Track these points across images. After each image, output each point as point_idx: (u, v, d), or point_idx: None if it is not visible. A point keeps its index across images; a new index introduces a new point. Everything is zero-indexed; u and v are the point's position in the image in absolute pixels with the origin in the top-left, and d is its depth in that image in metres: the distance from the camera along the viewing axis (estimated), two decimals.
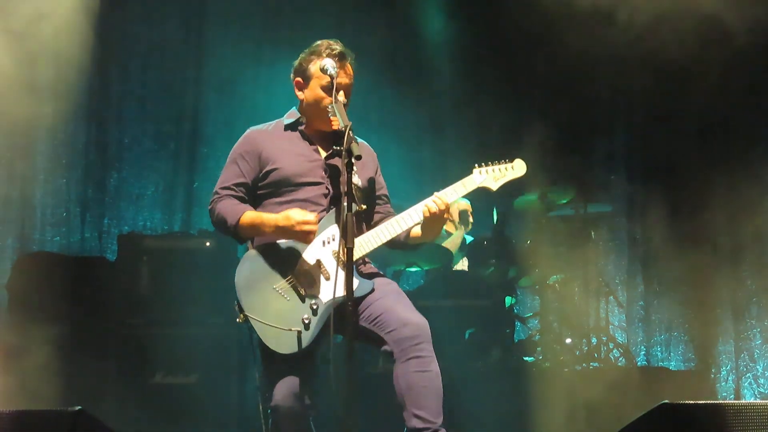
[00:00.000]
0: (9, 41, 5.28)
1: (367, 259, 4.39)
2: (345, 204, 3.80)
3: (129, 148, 8.81)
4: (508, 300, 7.98)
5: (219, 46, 8.85)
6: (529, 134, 8.08)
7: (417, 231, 4.36)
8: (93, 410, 3.35)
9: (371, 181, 4.49)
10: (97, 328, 6.62)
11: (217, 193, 4.37)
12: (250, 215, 4.21)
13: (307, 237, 4.08)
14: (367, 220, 4.51)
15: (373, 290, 4.17)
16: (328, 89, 4.25)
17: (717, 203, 7.91)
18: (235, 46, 8.76)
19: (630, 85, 8.15)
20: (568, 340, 7.92)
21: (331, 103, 4.16)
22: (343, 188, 3.91)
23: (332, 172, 4.30)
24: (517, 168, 4.42)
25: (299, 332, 4.00)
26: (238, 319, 4.07)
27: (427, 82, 9.40)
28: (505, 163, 4.40)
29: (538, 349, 7.88)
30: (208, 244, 6.94)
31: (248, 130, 4.48)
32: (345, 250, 3.77)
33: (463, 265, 8.41)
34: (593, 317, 8.19)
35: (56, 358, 6.07)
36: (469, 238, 8.49)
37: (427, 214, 4.19)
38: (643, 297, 9.05)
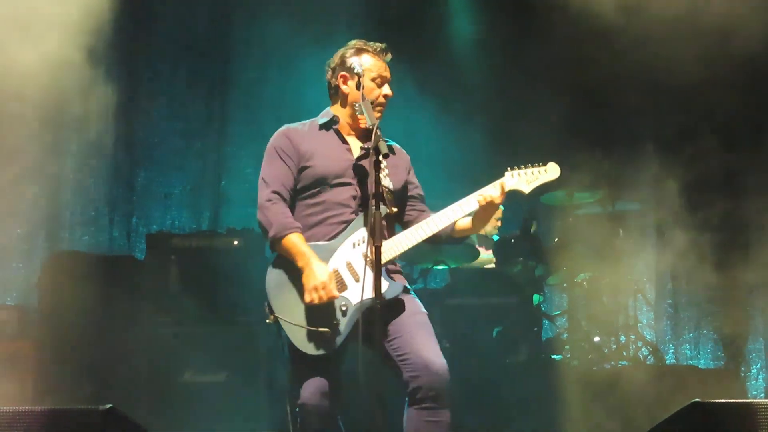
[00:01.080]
0: (36, 42, 5.29)
1: (398, 265, 4.41)
2: (372, 202, 3.83)
3: (157, 148, 8.88)
4: (536, 298, 7.92)
5: (246, 46, 8.88)
6: (556, 132, 8.08)
7: (462, 224, 4.40)
8: (123, 408, 3.37)
9: (403, 183, 4.50)
10: (127, 327, 6.64)
11: (269, 185, 4.30)
12: (293, 240, 4.16)
13: (310, 296, 4.02)
14: (400, 221, 4.52)
15: (401, 300, 4.18)
16: (378, 82, 4.37)
17: (747, 201, 7.83)
18: (263, 46, 8.77)
19: (659, 84, 8.06)
20: (596, 339, 7.83)
21: (359, 101, 4.18)
22: (371, 187, 3.91)
23: (362, 173, 4.30)
24: (551, 171, 4.40)
25: (328, 334, 4.02)
26: (267, 320, 4.11)
27: (456, 80, 9.36)
28: (539, 166, 4.37)
29: (566, 347, 7.85)
30: (236, 242, 6.98)
31: (283, 128, 4.46)
32: (373, 249, 3.79)
33: (490, 263, 8.35)
34: (621, 315, 8.06)
35: (86, 356, 6.19)
36: (495, 237, 8.46)
37: (483, 203, 4.23)
38: (672, 295, 8.98)
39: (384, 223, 4.06)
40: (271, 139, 4.42)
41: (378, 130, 3.96)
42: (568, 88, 8.60)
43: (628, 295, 8.19)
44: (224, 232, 7.41)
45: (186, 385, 6.58)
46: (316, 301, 4.01)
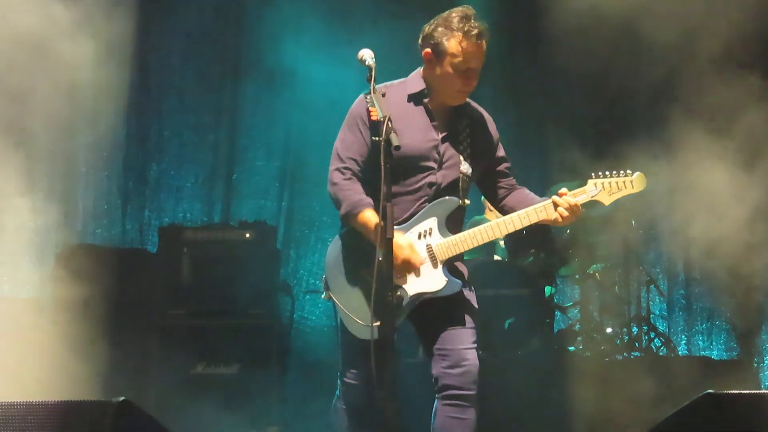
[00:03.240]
0: (49, 38, 5.30)
1: (461, 259, 4.33)
2: (382, 194, 3.66)
3: (169, 140, 8.84)
4: (548, 289, 7.86)
5: (258, 37, 8.83)
6: (568, 124, 8.04)
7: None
8: (136, 400, 3.37)
9: (490, 158, 4.34)
10: (139, 320, 6.72)
11: (341, 159, 4.19)
12: (367, 215, 4.06)
13: (397, 268, 3.94)
14: (491, 200, 4.41)
15: (454, 296, 4.13)
16: (461, 70, 4.08)
17: (757, 191, 7.79)
18: (274, 37, 8.70)
19: (669, 77, 8.02)
20: (609, 330, 7.84)
21: (370, 93, 3.90)
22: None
23: (445, 157, 4.19)
24: (637, 184, 4.13)
25: (378, 325, 3.93)
26: (323, 296, 4.14)
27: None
28: (624, 176, 4.13)
29: (579, 338, 7.83)
30: (247, 235, 6.98)
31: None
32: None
33: (502, 254, 8.29)
34: (634, 306, 8.09)
35: (99, 349, 6.13)
36: None
37: (560, 220, 4.10)
38: (684, 286, 8.94)
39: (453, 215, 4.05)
40: (354, 103, 4.25)
41: (390, 122, 3.69)
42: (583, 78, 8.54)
43: (640, 286, 8.19)
44: (236, 225, 7.45)
45: (199, 377, 6.62)
46: (404, 276, 4.02)
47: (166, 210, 8.81)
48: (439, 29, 4.10)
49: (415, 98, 4.22)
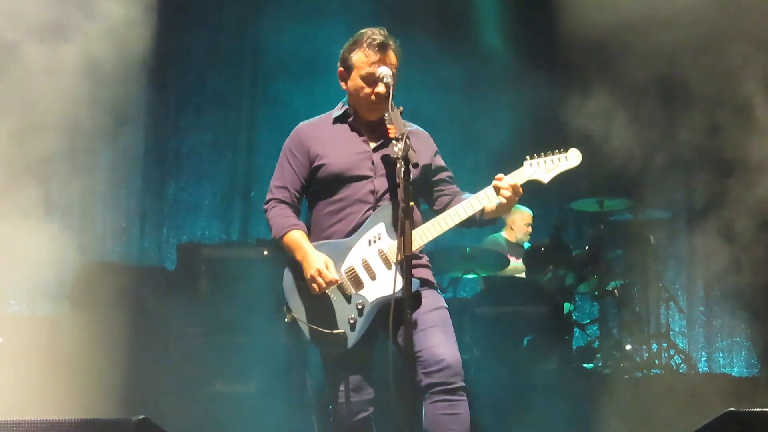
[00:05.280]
0: (72, 54, 5.33)
1: (424, 257, 4.35)
2: (402, 213, 3.72)
3: (186, 158, 8.92)
4: (567, 306, 7.89)
5: (275, 55, 8.88)
6: (586, 138, 7.97)
7: (489, 207, 4.24)
8: (155, 419, 3.38)
9: (427, 168, 4.35)
10: (158, 338, 6.68)
11: (271, 192, 4.38)
12: (292, 236, 4.20)
13: (311, 284, 4.05)
14: (431, 206, 4.46)
15: (417, 295, 4.12)
16: (369, 81, 4.19)
17: None
18: (292, 55, 8.78)
19: (690, 87, 7.98)
20: (628, 347, 7.82)
21: (388, 111, 4.02)
22: (401, 195, 3.78)
23: (380, 166, 4.24)
24: (572, 158, 4.25)
25: (344, 333, 4.05)
26: (286, 319, 4.13)
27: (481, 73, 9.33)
28: (558, 153, 4.24)
29: (598, 355, 7.81)
30: (266, 252, 6.93)
31: (298, 125, 4.44)
32: (402, 256, 3.72)
33: (520, 271, 8.36)
34: (653, 323, 8.11)
35: (119, 367, 6.13)
36: (526, 244, 8.44)
37: (504, 201, 4.13)
38: (704, 302, 8.95)
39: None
40: (287, 140, 4.45)
41: (408, 140, 3.77)
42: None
43: (660, 302, 8.23)
44: (254, 243, 7.39)
45: (217, 395, 6.58)
46: (318, 289, 4.03)
47: (184, 228, 8.89)
48: (348, 47, 4.29)
49: (340, 119, 4.37)
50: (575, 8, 6.47)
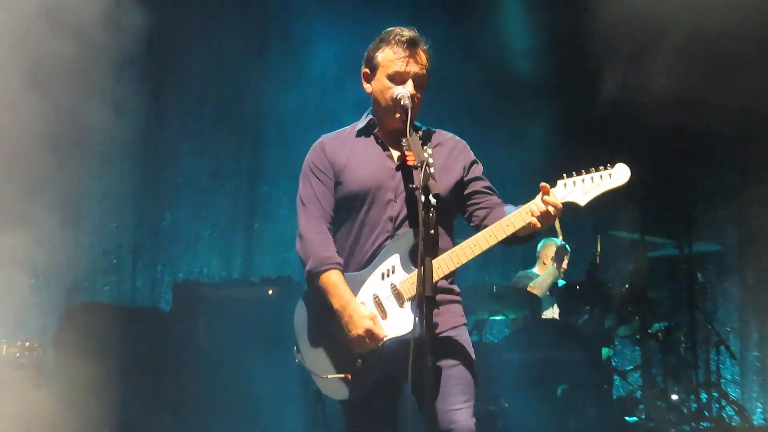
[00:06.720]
0: (58, 81, 5.35)
1: (454, 290, 4.02)
2: (420, 249, 3.45)
3: (184, 188, 8.81)
4: (605, 352, 7.65)
5: (280, 76, 8.77)
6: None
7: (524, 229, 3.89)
8: None
9: (459, 182, 4.02)
10: (152, 386, 6.56)
11: (308, 212, 4.03)
12: (332, 278, 3.86)
13: (356, 344, 3.77)
14: (468, 221, 4.10)
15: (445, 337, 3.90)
16: (396, 79, 3.91)
17: None
18: (297, 77, 8.64)
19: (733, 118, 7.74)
20: (675, 397, 7.61)
21: (405, 137, 3.73)
22: (421, 224, 3.47)
23: (401, 187, 3.94)
24: (617, 175, 3.74)
25: (353, 379, 3.81)
26: (296, 360, 3.94)
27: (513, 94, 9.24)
28: (601, 170, 3.76)
29: (641, 407, 7.61)
30: (270, 292, 6.90)
31: (320, 139, 4.15)
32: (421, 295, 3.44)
33: (553, 312, 8.12)
34: (702, 370, 7.87)
35: (110, 415, 6.04)
36: (560, 282, 8.19)
37: (537, 224, 3.74)
38: (759, 347, 8.73)
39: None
40: (308, 154, 4.15)
41: (429, 168, 3.51)
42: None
43: (709, 347, 8.00)
44: (258, 281, 7.34)
45: None
46: (365, 351, 3.77)
47: (180, 264, 8.69)
48: (374, 46, 4.05)
49: (365, 131, 4.11)
50: None
